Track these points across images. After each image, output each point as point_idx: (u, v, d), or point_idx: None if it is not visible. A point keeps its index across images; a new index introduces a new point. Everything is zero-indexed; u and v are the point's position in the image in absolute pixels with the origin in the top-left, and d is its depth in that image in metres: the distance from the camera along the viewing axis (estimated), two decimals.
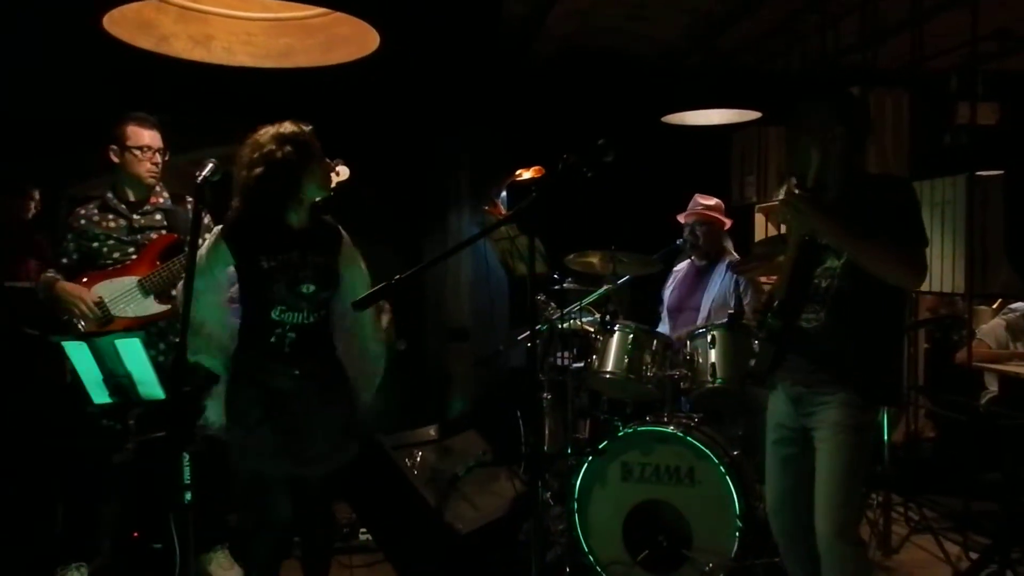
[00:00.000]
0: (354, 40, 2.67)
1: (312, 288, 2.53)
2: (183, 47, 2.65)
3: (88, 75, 3.81)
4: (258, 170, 2.43)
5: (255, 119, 2.54)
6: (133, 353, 2.37)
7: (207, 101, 3.73)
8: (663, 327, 4.10)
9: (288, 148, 2.45)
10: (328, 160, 2.65)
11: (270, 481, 2.55)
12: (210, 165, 2.25)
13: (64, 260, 3.15)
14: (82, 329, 3.00)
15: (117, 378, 2.41)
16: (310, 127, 2.53)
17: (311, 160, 2.50)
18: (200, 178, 2.22)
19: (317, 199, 2.58)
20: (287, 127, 2.48)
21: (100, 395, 2.46)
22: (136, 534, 3.15)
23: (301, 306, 2.53)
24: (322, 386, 2.57)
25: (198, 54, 2.67)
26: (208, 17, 2.65)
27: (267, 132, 2.48)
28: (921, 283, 2.41)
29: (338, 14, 2.58)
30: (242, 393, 2.53)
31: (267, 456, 2.49)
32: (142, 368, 2.39)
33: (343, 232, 2.67)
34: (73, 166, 4.07)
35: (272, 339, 2.52)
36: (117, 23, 2.48)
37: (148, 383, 2.42)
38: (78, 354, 2.41)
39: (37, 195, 4.25)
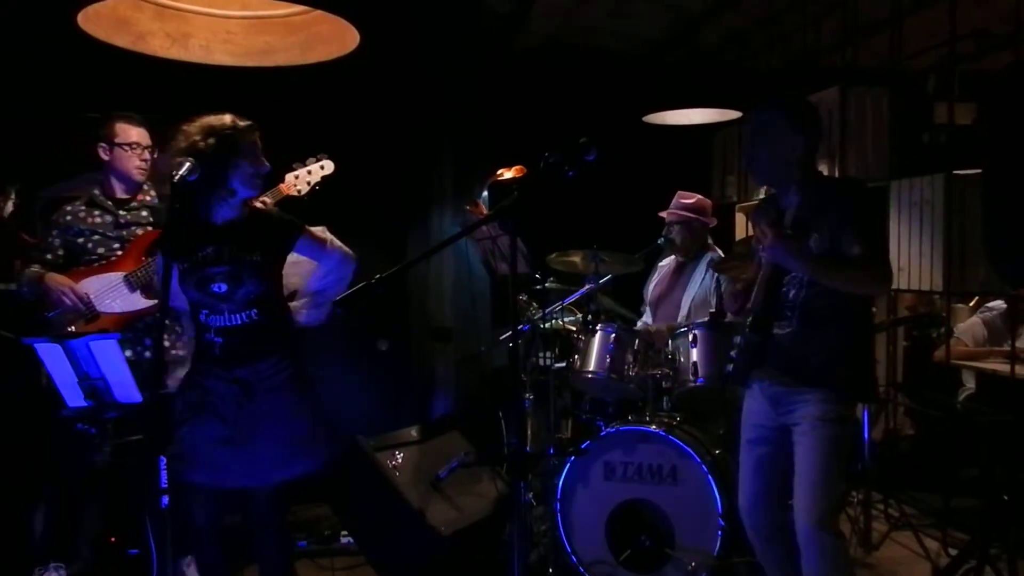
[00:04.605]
0: (334, 38, 2.64)
1: (225, 288, 2.40)
2: (160, 45, 2.60)
3: (63, 73, 3.76)
4: (180, 160, 2.27)
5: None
6: (108, 355, 2.34)
7: (184, 100, 3.69)
8: (645, 321, 4.10)
9: (211, 140, 2.36)
10: (259, 159, 2.52)
11: (195, 489, 2.44)
12: (187, 164, 2.22)
13: (48, 256, 3.14)
14: (72, 330, 2.98)
15: (91, 381, 2.38)
16: (248, 123, 2.43)
17: (235, 155, 2.39)
18: (177, 177, 2.19)
19: (247, 197, 2.47)
20: (220, 119, 2.40)
21: (75, 398, 2.43)
22: (113, 539, 3.11)
23: (220, 308, 2.41)
24: (262, 394, 2.42)
25: (175, 52, 2.63)
26: (186, 15, 2.61)
27: (198, 122, 2.39)
28: (888, 290, 2.47)
29: (319, 12, 2.55)
30: (184, 398, 2.44)
31: (189, 464, 2.37)
32: (118, 370, 2.36)
33: (295, 225, 2.53)
34: (47, 165, 4.01)
35: (204, 343, 2.44)
36: (92, 21, 2.43)
37: (124, 385, 2.38)
38: (51, 357, 2.37)
39: (14, 194, 4.19)
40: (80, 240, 3.15)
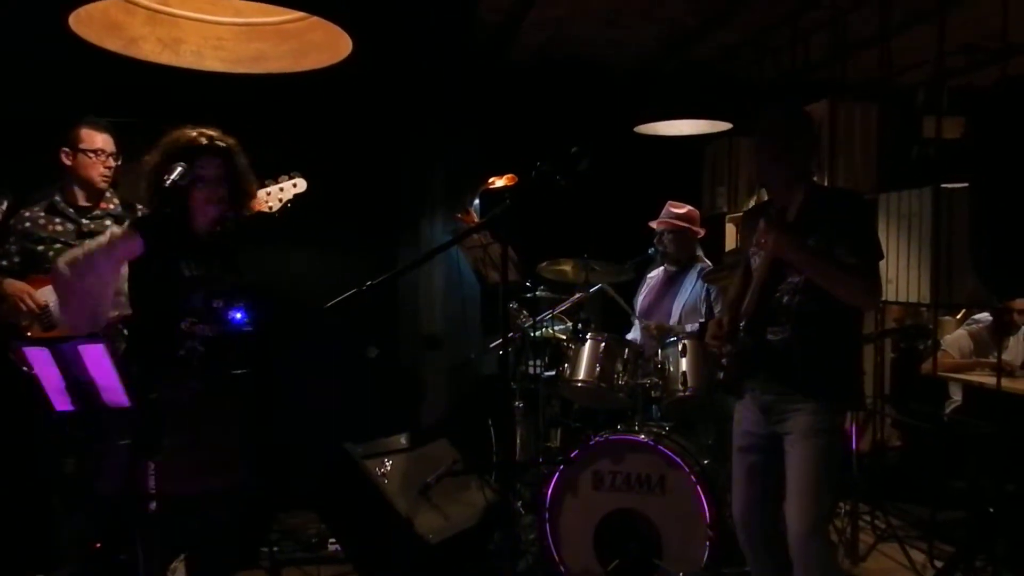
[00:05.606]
0: (327, 46, 2.65)
1: (222, 303, 2.51)
2: (151, 50, 2.60)
3: (63, 74, 3.75)
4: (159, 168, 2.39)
5: (224, 124, 2.52)
6: (97, 359, 2.32)
7: (183, 102, 3.68)
8: (634, 333, 4.11)
9: (162, 157, 2.41)
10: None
11: (175, 501, 2.47)
12: (179, 169, 2.22)
13: (4, 263, 3.08)
14: (29, 335, 2.94)
15: (80, 385, 2.35)
16: (218, 141, 2.47)
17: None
18: (168, 181, 2.19)
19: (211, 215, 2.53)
20: (184, 136, 2.44)
21: (63, 402, 2.40)
22: (98, 544, 3.08)
23: (211, 319, 2.50)
24: (225, 403, 2.54)
25: (167, 58, 2.62)
26: (178, 20, 2.61)
27: (186, 132, 2.45)
28: (875, 304, 2.48)
29: (312, 20, 2.55)
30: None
31: (178, 477, 2.40)
32: (106, 375, 2.34)
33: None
34: (46, 165, 3.99)
35: (181, 352, 2.47)
36: (83, 23, 2.43)
37: (112, 390, 2.36)
38: (39, 361, 2.35)
39: (6, 204, 4.15)
40: (40, 248, 3.08)
